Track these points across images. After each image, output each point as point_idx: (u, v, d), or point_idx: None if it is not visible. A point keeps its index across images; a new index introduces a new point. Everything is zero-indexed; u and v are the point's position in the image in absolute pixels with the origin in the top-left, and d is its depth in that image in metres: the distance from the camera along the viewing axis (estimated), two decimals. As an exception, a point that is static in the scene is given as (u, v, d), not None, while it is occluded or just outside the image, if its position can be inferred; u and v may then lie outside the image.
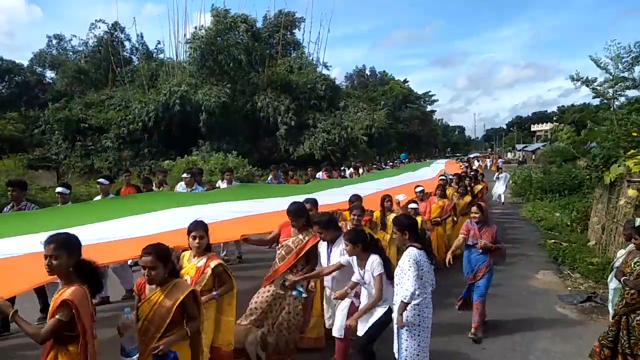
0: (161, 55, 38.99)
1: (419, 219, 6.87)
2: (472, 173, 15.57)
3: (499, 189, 19.88)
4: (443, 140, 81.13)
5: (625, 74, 10.59)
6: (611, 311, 5.25)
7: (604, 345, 4.61)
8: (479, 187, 13.16)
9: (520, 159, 58.81)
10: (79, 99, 30.68)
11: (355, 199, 6.32)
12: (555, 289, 8.01)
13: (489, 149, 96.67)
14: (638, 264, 4.40)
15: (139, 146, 26.90)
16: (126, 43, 38.92)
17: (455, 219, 9.73)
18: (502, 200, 19.61)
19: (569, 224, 13.23)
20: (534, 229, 14.00)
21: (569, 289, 8.06)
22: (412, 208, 7.58)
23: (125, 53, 37.31)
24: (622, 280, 4.50)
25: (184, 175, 9.04)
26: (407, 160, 29.44)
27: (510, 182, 22.31)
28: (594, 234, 10.69)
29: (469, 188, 11.05)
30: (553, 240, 11.54)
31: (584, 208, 13.18)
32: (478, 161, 37.55)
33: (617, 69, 10.61)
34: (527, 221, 15.53)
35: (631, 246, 4.89)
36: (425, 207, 8.81)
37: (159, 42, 43.76)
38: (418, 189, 9.01)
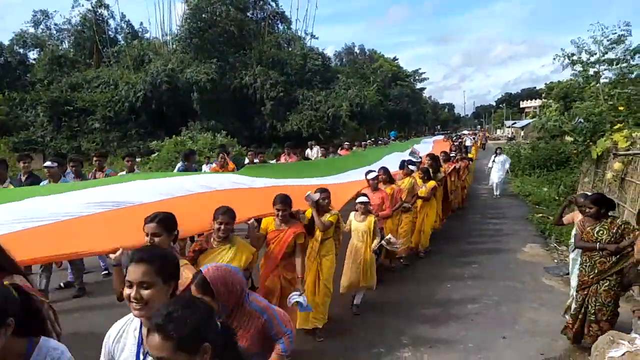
0: (147, 35, 38.35)
1: (370, 219, 5.75)
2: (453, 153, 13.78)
3: (496, 176, 15.64)
4: (432, 118, 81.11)
5: (610, 54, 10.76)
6: (573, 282, 5.33)
7: (573, 315, 4.84)
8: (447, 166, 10.92)
9: (510, 136, 59.12)
10: (63, 80, 30.13)
11: (279, 201, 4.46)
12: (541, 262, 8.16)
13: (478, 126, 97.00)
14: (601, 232, 4.62)
15: (126, 127, 26.63)
16: (111, 22, 38.19)
17: (410, 206, 7.85)
18: (497, 193, 15.65)
19: (556, 198, 13.41)
20: (522, 204, 14.17)
21: (555, 261, 8.21)
22: (361, 203, 5.79)
23: (110, 32, 36.61)
24: (598, 246, 4.59)
25: (47, 164, 6.73)
26: (395, 138, 29.31)
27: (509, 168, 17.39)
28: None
29: (439, 171, 9.41)
30: (540, 215, 11.70)
31: (571, 182, 13.37)
32: (473, 138, 36.58)
33: (600, 48, 10.75)
34: (515, 196, 15.70)
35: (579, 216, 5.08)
36: (381, 199, 6.75)
37: (141, 23, 42.93)
38: (370, 176, 6.80)
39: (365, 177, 6.84)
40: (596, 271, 4.63)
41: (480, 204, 14.63)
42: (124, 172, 7.97)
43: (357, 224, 5.85)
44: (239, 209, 4.02)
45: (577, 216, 5.39)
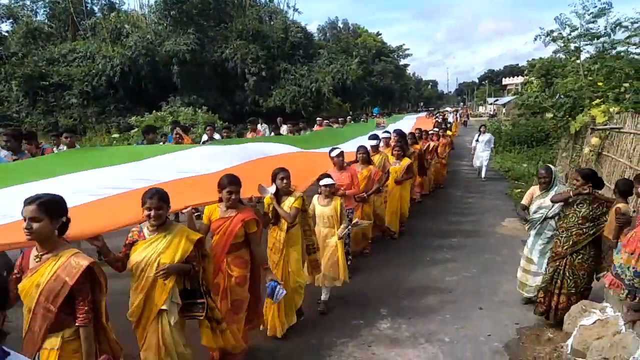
0: (124, 7, 37.23)
1: (336, 202, 5.16)
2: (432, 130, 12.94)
3: (481, 157, 14.27)
4: (416, 95, 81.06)
5: (591, 26, 10.79)
6: (535, 258, 5.29)
7: (544, 289, 4.87)
8: (422, 144, 10.68)
9: (491, 113, 59.46)
10: (38, 53, 29.20)
11: (228, 183, 3.80)
12: (519, 235, 8.26)
13: (461, 103, 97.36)
14: (582, 204, 4.66)
15: (104, 102, 26.05)
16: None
17: (380, 187, 7.10)
18: (484, 175, 14.25)
19: (535, 174, 13.59)
20: (502, 180, 14.35)
21: (533, 234, 8.36)
22: (325, 186, 5.15)
23: (86, 4, 35.39)
24: (572, 192, 4.72)
25: None
26: (378, 115, 29.18)
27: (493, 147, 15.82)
28: (558, 183, 11.02)
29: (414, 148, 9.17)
30: (520, 190, 11.86)
31: (550, 159, 13.55)
32: (456, 114, 36.43)
33: (582, 21, 10.78)
34: (495, 172, 15.88)
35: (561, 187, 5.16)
36: (349, 177, 6.15)
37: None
38: (334, 153, 6.13)
39: (330, 154, 6.17)
40: (571, 242, 4.67)
41: (460, 180, 14.76)
42: (63, 148, 7.13)
43: (322, 208, 5.23)
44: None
45: (535, 191, 5.37)
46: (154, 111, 21.58)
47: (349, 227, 5.21)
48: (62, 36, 33.27)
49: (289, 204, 4.54)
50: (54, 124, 24.70)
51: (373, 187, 6.75)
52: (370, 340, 4.66)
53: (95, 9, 37.25)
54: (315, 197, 5.31)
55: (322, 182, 5.14)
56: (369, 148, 7.16)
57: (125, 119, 23.11)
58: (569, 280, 4.71)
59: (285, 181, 4.52)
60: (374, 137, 7.82)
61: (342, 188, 5.90)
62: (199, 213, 4.46)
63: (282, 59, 28.13)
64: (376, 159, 7.38)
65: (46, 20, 35.07)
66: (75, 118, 24.93)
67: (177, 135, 8.72)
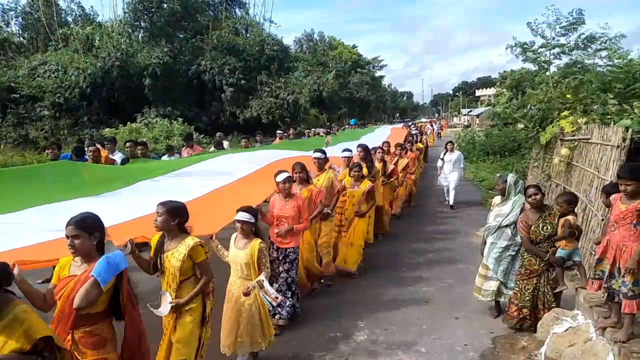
0: (99, 18, 36.84)
1: (254, 244, 4.06)
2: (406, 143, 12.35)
3: (450, 178, 11.90)
4: (392, 106, 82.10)
5: (561, 39, 11.04)
6: (490, 264, 5.29)
7: (523, 306, 4.87)
8: (389, 159, 9.55)
9: (466, 124, 60.55)
10: (6, 67, 28.58)
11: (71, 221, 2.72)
12: (493, 245, 8.42)
13: (436, 114, 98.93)
14: (545, 228, 4.72)
15: (77, 114, 25.63)
16: (61, 2, 36.36)
17: (329, 211, 6.14)
18: (451, 202, 11.87)
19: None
20: (476, 190, 14.58)
21: (506, 243, 8.48)
22: (239, 222, 4.05)
23: (61, 14, 34.89)
24: (550, 258, 4.72)
25: None
26: (355, 126, 29.44)
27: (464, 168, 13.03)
28: (530, 192, 11.23)
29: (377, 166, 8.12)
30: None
31: (523, 168, 13.82)
32: (432, 126, 36.19)
33: (553, 33, 11.02)
34: (470, 182, 16.12)
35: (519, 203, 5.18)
36: (295, 208, 5.07)
37: (92, 7, 41.17)
38: (280, 177, 5.04)
39: (275, 179, 5.10)
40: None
41: (434, 191, 14.90)
42: None
43: (236, 251, 4.12)
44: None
45: (497, 200, 5.48)
46: (129, 123, 21.33)
47: (254, 283, 3.92)
48: (34, 47, 32.71)
49: (179, 256, 3.39)
50: (24, 136, 24.18)
51: (315, 211, 5.71)
52: (348, 352, 4.65)
53: (69, 19, 36.80)
54: (233, 235, 4.23)
55: (236, 217, 4.02)
56: (314, 163, 6.34)
57: (99, 131, 22.78)
58: (549, 295, 4.79)
59: (158, 219, 3.41)
60: (320, 150, 6.64)
61: (285, 221, 5.06)
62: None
63: (258, 71, 28.23)
64: (321, 178, 6.27)
65: (19, 31, 34.51)
66: (46, 130, 24.43)
67: (93, 152, 7.70)
